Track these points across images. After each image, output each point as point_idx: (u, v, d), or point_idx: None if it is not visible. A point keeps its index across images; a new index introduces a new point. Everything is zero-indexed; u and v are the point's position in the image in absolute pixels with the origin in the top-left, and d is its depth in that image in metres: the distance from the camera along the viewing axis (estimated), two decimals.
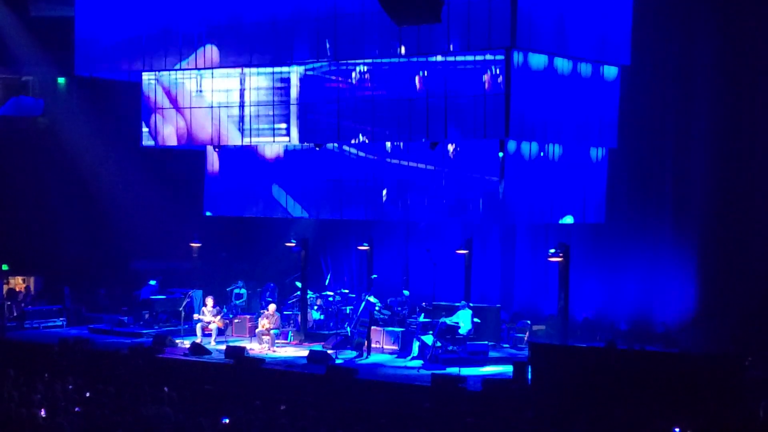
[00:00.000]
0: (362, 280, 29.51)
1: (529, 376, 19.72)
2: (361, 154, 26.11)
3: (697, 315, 25.31)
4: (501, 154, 23.64)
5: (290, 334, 26.40)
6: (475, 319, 24.23)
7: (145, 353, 23.96)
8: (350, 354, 24.19)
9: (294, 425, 16.39)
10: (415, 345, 23.75)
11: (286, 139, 25.89)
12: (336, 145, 25.95)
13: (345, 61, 24.44)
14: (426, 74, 23.64)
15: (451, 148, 24.77)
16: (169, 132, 27.37)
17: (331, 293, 27.95)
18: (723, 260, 25.35)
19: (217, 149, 27.59)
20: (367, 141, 25.49)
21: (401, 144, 25.39)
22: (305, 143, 26.01)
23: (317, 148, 25.99)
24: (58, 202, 32.06)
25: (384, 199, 25.92)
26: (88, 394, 18.71)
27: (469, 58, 22.90)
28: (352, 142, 25.31)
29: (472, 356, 23.23)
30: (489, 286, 28.62)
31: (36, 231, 31.89)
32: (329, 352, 23.92)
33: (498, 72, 22.49)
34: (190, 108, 27.00)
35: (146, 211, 30.98)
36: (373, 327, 24.93)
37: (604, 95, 24.68)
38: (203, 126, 26.86)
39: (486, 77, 22.69)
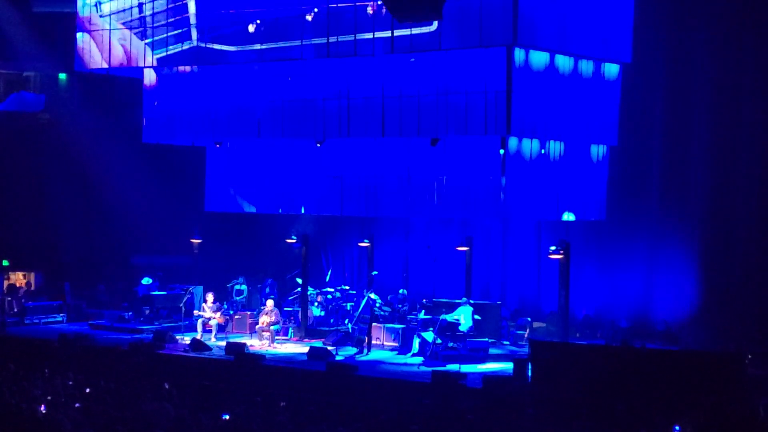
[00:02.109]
0: (363, 277, 29.50)
1: (530, 374, 19.72)
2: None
3: (697, 312, 25.30)
4: (502, 152, 23.64)
5: (290, 330, 26.40)
6: (476, 316, 24.21)
7: (146, 349, 23.96)
8: (350, 350, 24.18)
9: (294, 421, 16.39)
10: (416, 342, 23.75)
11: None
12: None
13: None
14: (427, 71, 23.64)
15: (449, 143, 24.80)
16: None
17: (332, 290, 27.97)
18: (724, 258, 25.35)
19: (218, 144, 27.57)
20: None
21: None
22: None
23: (318, 145, 25.98)
24: (59, 198, 32.09)
25: (384, 195, 25.92)
26: (88, 390, 18.69)
27: (471, 54, 22.90)
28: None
29: (472, 353, 23.20)
30: (489, 283, 28.63)
31: (36, 227, 31.90)
32: (329, 348, 23.92)
33: (499, 69, 22.47)
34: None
35: (147, 206, 30.96)
36: (373, 324, 24.94)
37: (605, 93, 24.66)
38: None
39: (487, 75, 22.70)
